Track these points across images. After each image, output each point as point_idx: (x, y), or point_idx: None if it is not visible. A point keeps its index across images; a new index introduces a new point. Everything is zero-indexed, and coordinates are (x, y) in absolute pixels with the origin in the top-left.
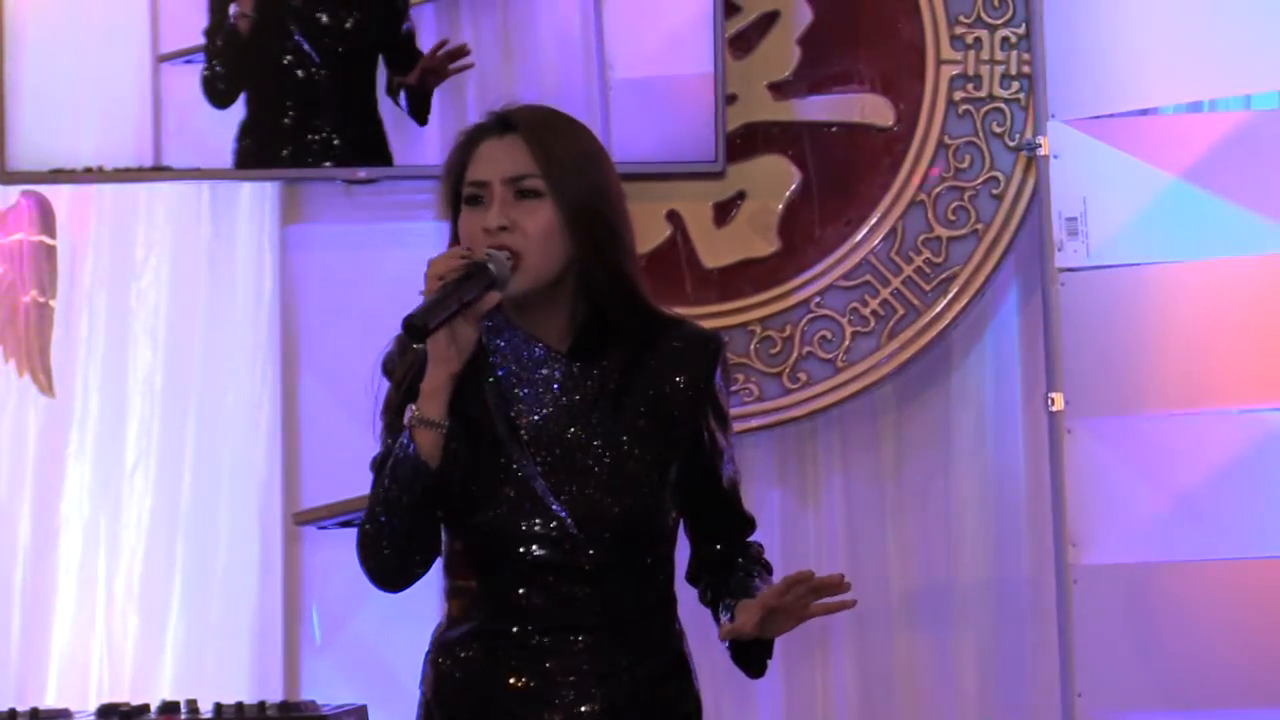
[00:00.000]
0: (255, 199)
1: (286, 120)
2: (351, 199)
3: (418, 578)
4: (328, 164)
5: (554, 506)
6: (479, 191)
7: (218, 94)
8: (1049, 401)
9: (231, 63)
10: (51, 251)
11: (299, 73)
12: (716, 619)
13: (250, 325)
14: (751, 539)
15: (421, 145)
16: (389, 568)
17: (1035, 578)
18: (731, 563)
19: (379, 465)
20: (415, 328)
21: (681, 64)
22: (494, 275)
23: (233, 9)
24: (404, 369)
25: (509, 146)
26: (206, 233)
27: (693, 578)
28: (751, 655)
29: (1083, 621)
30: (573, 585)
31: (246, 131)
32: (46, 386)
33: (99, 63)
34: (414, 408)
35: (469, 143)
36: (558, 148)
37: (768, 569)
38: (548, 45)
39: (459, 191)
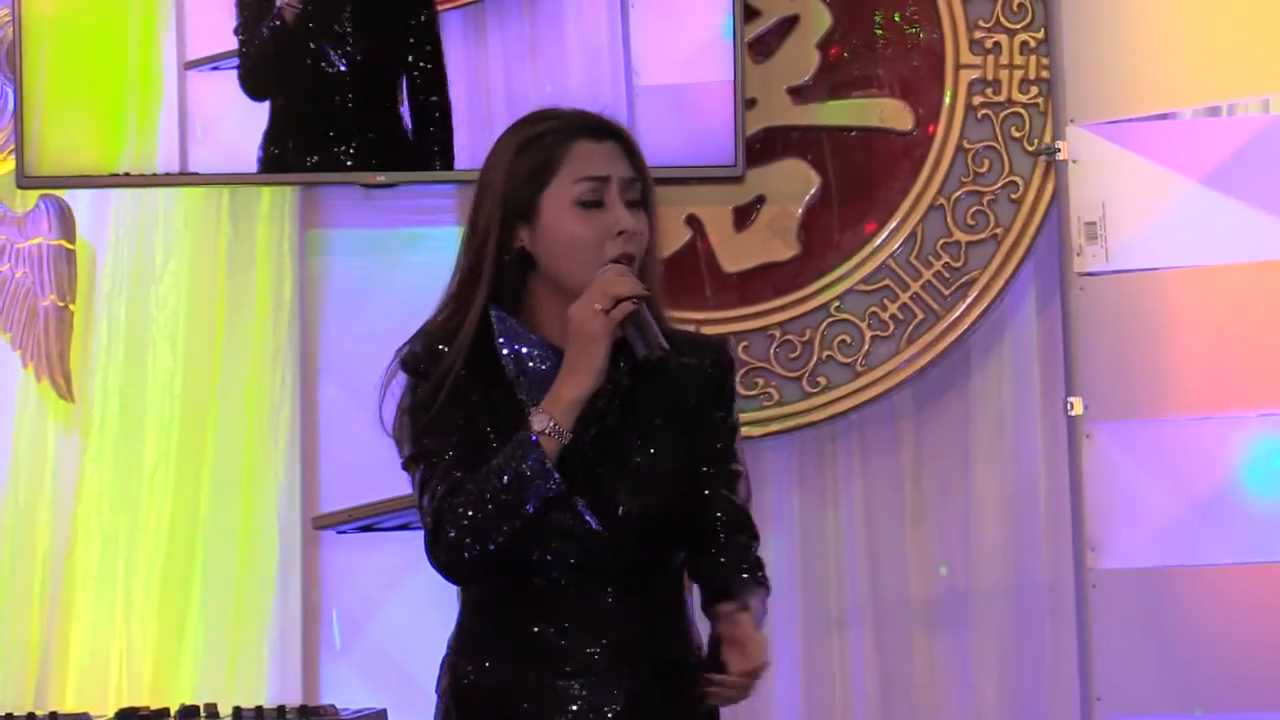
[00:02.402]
0: (275, 203)
1: (312, 126)
2: (370, 203)
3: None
4: (348, 168)
5: (578, 507)
6: (600, 190)
7: (255, 84)
8: (1068, 406)
9: (272, 51)
10: (71, 255)
11: (324, 79)
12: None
13: (269, 329)
14: (749, 551)
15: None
16: (485, 567)
17: (1054, 581)
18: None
19: (425, 469)
20: (661, 348)
21: (703, 70)
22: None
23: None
24: (441, 372)
25: (613, 150)
26: (226, 237)
27: (692, 573)
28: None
29: (1101, 625)
30: (593, 585)
31: (272, 138)
32: (65, 391)
33: (124, 68)
34: (550, 417)
35: (558, 141)
36: (643, 160)
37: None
38: (574, 51)
39: (533, 192)
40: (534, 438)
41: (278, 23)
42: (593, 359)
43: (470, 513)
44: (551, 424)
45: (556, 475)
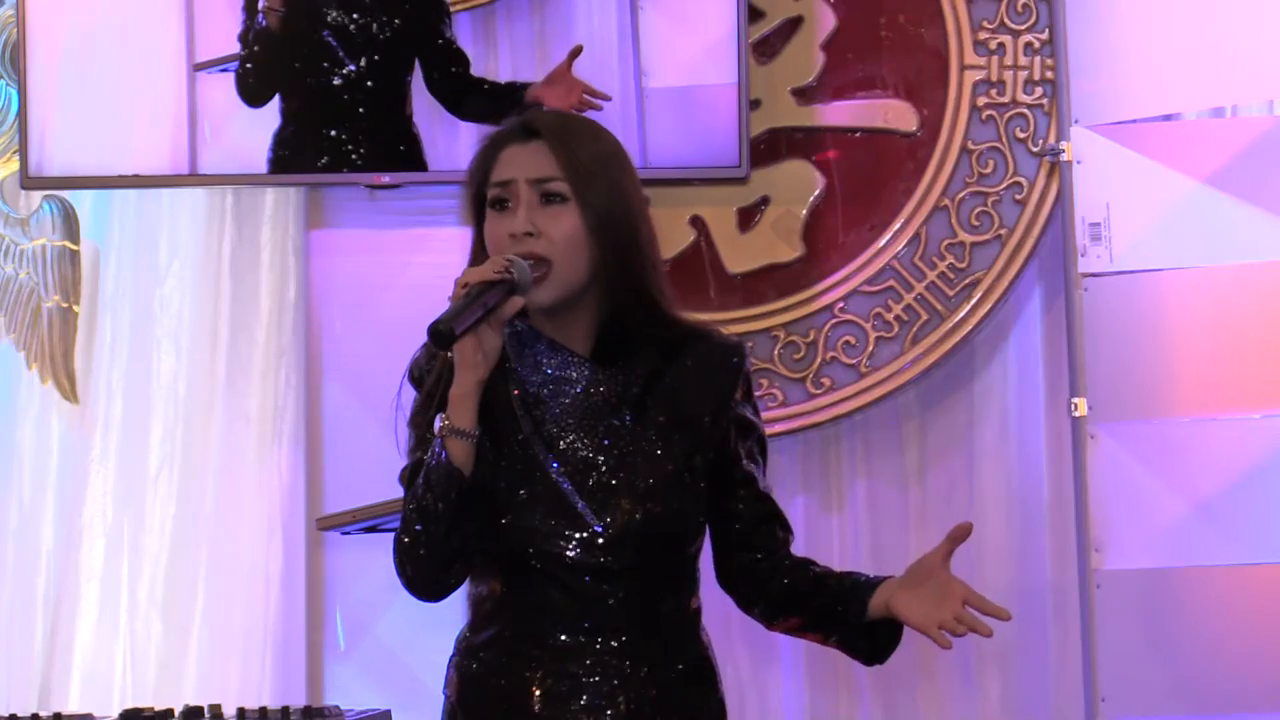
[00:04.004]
0: (279, 204)
1: (321, 128)
2: (375, 204)
3: (455, 586)
4: (357, 169)
5: (580, 507)
6: (503, 193)
7: (250, 91)
8: (1072, 406)
9: (262, 59)
10: (75, 257)
11: (335, 80)
12: (801, 625)
13: (274, 330)
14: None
15: (449, 150)
16: (428, 577)
17: (1058, 582)
18: (803, 571)
19: (410, 477)
20: (441, 333)
21: (708, 72)
22: (515, 281)
23: (261, 3)
24: (434, 379)
25: (533, 151)
26: (230, 238)
27: (731, 584)
28: (878, 638)
29: (1105, 626)
30: (598, 587)
31: (282, 140)
32: (69, 392)
33: (132, 71)
34: (444, 417)
35: (492, 148)
36: (581, 152)
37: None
38: (584, 54)
39: (482, 196)
40: (438, 438)
41: (262, 28)
42: (462, 352)
43: (404, 521)
44: (444, 423)
45: (462, 470)
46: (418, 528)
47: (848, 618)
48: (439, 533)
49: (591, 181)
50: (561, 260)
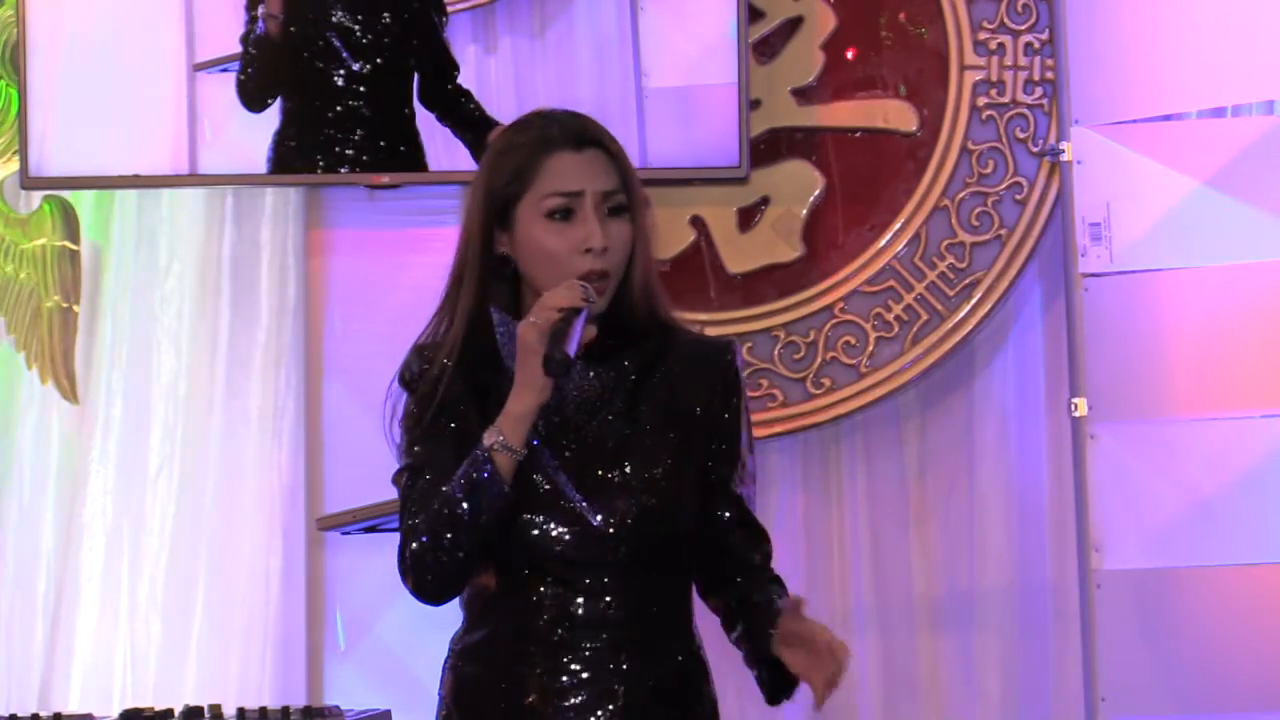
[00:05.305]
0: (279, 204)
1: (322, 128)
2: (374, 204)
3: (462, 591)
4: (357, 170)
5: (576, 503)
6: (570, 204)
7: (249, 96)
8: (1072, 406)
9: (262, 64)
10: (75, 257)
11: (338, 81)
12: (753, 655)
13: (274, 330)
14: (770, 561)
15: (449, 151)
16: (447, 582)
17: (1058, 582)
18: (746, 590)
19: (408, 480)
20: (560, 363)
21: (708, 72)
22: (591, 306)
23: (260, 10)
24: (434, 382)
25: (592, 160)
26: (230, 238)
27: (708, 592)
28: (781, 681)
29: (1105, 626)
30: (592, 583)
31: (282, 140)
32: (70, 392)
33: (132, 71)
34: (496, 432)
35: (535, 152)
36: (628, 164)
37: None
38: (584, 54)
39: (511, 200)
40: (483, 451)
41: (261, 34)
42: (531, 373)
43: (430, 528)
44: (499, 439)
45: (506, 485)
46: (448, 536)
47: (756, 651)
48: (471, 543)
49: (639, 194)
50: (616, 272)
